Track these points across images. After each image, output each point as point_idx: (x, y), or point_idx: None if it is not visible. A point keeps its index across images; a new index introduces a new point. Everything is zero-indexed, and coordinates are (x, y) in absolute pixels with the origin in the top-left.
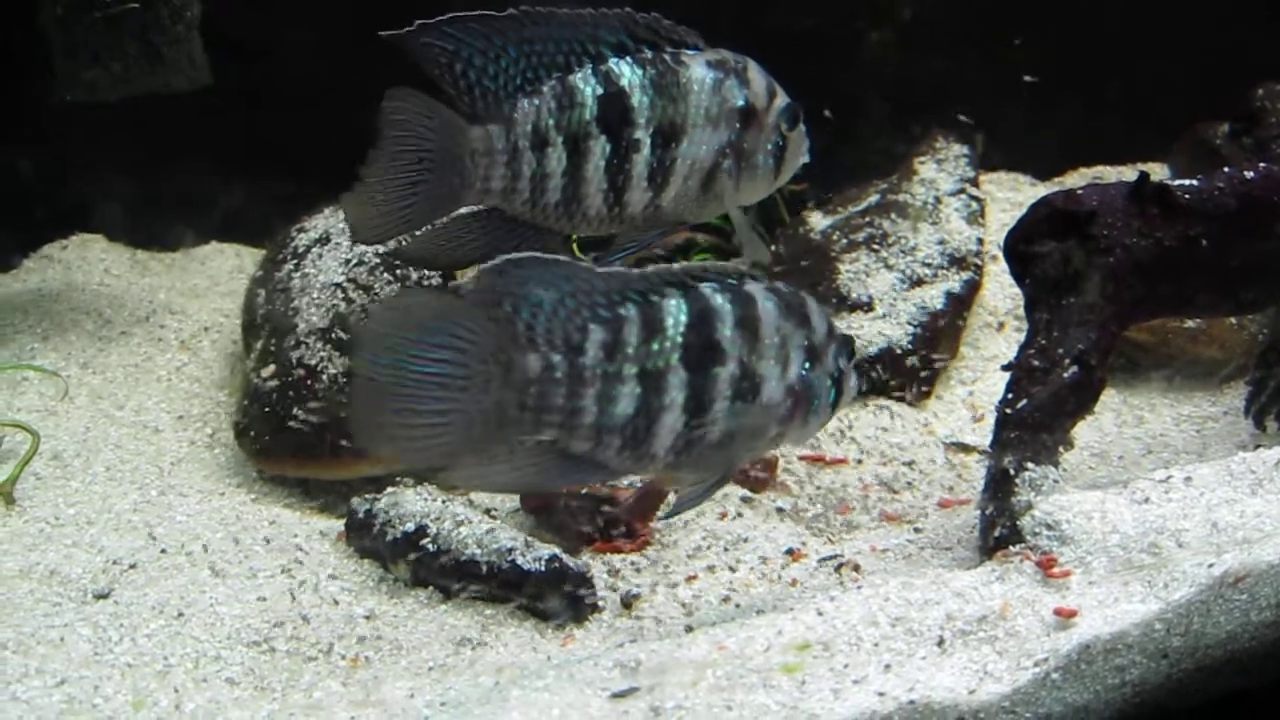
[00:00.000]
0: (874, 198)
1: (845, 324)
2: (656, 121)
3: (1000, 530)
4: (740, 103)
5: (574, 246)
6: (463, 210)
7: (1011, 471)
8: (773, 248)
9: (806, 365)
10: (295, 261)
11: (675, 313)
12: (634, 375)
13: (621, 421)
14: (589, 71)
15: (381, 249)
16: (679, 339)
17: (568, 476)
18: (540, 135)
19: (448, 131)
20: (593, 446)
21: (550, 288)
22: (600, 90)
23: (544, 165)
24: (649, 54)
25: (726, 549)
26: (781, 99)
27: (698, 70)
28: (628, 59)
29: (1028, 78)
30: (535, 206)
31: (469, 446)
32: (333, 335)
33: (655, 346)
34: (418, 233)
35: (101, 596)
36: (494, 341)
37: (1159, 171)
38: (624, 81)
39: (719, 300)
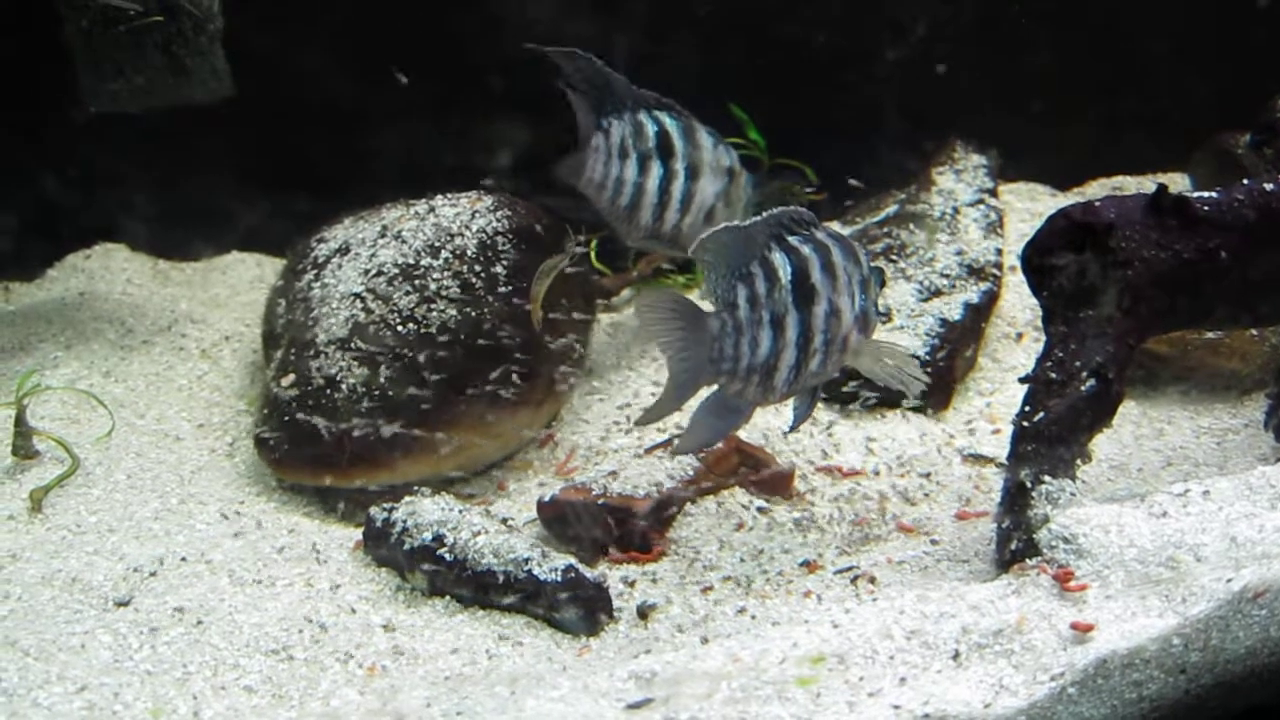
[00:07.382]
0: (892, 208)
1: None
2: None
3: (1017, 543)
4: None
5: (592, 254)
6: None
7: (1028, 484)
8: None
9: None
10: (315, 272)
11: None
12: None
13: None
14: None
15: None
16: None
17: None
18: None
19: None
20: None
21: None
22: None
23: None
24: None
25: (742, 560)
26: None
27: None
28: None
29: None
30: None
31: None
32: (352, 345)
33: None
34: None
35: (122, 604)
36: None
37: (1179, 182)
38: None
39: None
